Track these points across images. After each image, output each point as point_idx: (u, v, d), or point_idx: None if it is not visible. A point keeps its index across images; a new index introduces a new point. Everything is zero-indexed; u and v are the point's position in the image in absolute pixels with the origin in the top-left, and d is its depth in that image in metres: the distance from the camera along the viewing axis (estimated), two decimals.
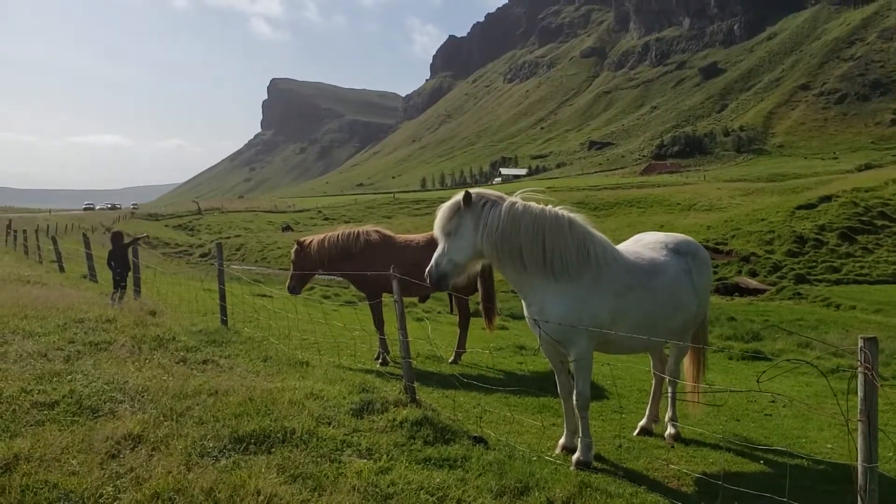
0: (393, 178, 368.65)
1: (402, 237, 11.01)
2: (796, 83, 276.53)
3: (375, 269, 9.94)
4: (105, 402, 6.06)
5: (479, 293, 11.15)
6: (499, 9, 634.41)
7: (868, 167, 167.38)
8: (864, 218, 50.26)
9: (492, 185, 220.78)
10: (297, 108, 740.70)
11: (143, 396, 6.31)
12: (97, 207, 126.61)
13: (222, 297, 10.99)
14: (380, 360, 10.47)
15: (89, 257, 17.09)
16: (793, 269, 44.05)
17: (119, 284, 12.82)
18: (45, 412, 5.73)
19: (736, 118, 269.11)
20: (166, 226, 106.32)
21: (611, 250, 6.51)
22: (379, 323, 10.68)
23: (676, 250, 7.15)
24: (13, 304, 10.43)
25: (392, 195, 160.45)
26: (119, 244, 13.40)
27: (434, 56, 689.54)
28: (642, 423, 7.62)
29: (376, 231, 10.81)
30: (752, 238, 50.04)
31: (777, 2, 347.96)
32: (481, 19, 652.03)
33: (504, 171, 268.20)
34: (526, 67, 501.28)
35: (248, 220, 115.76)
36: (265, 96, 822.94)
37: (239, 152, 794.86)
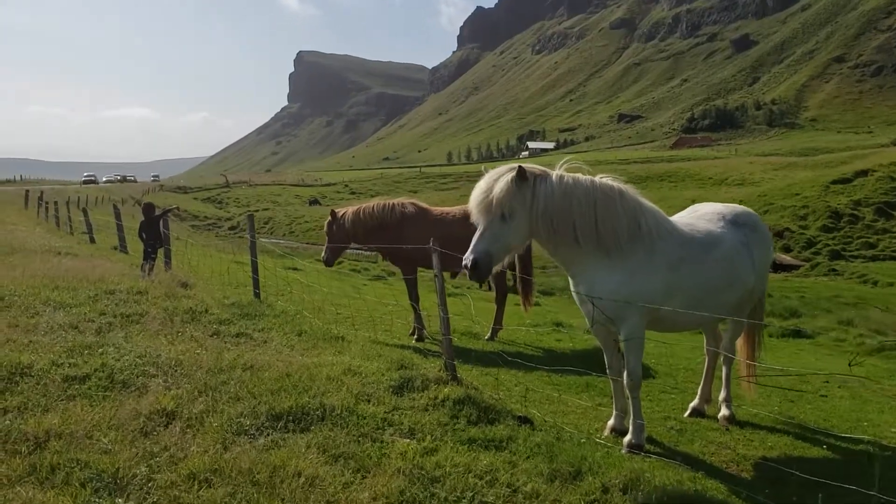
0: (419, 151, 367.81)
1: (437, 209, 10.67)
2: (831, 55, 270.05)
3: (411, 243, 9.64)
4: (137, 377, 5.87)
5: (513, 269, 10.81)
6: None
7: None
8: None
9: (518, 158, 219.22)
10: (324, 80, 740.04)
11: (176, 371, 6.11)
12: (103, 180, 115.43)
13: (254, 270, 10.76)
14: (416, 336, 10.17)
15: (120, 228, 17.01)
16: (827, 245, 43.11)
17: (150, 256, 12.70)
18: (77, 386, 5.55)
19: (768, 91, 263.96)
20: (195, 198, 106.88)
21: (664, 222, 6.14)
22: (414, 297, 10.35)
23: (735, 222, 6.75)
24: (44, 275, 10.30)
25: (418, 169, 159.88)
26: (150, 215, 13.27)
27: (461, 27, 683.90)
28: (694, 403, 7.27)
29: (412, 203, 10.48)
30: (786, 213, 48.98)
31: None
32: None
33: (532, 144, 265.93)
34: (555, 39, 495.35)
35: (275, 193, 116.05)
36: (292, 69, 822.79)
37: (266, 125, 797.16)
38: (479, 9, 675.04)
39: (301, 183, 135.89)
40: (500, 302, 10.94)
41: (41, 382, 5.52)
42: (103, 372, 5.86)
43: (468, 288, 22.10)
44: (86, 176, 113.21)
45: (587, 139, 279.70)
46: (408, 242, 9.73)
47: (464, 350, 9.43)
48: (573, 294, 6.17)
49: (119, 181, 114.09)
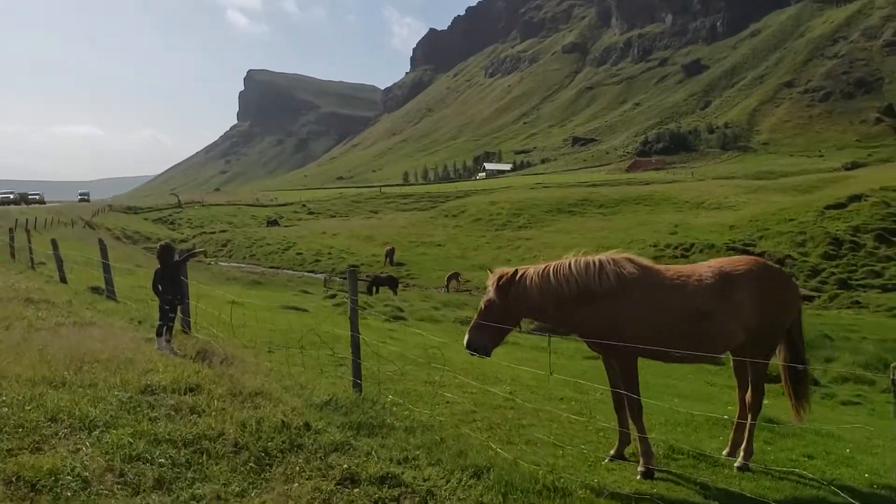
0: (373, 171, 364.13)
1: (670, 270, 7.13)
2: (780, 80, 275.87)
3: (633, 320, 6.63)
4: None
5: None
6: (479, 2, 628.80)
7: (855, 165, 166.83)
8: None
9: (476, 179, 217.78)
10: (274, 99, 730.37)
11: None
12: None
13: (356, 350, 7.61)
14: (641, 471, 6.44)
15: (106, 268, 13.54)
16: (833, 273, 41.47)
17: (168, 316, 9.35)
18: None
19: (720, 115, 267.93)
20: (145, 219, 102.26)
21: None
22: (635, 410, 6.68)
23: None
24: (34, 354, 7.07)
25: (378, 189, 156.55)
26: (169, 261, 9.80)
27: (414, 49, 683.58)
28: None
29: (629, 260, 6.89)
30: (783, 239, 47.42)
31: None
32: (462, 12, 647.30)
33: (489, 166, 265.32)
34: (508, 62, 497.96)
35: (230, 213, 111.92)
36: (242, 87, 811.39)
37: (214, 144, 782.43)
38: (432, 31, 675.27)
39: (256, 203, 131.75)
40: (755, 408, 7.14)
41: None
42: None
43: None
44: (2, 194, 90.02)
45: (543, 161, 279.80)
46: (628, 319, 6.65)
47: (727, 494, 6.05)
48: None
49: (13, 201, 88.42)
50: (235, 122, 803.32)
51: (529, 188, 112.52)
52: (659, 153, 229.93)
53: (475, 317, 6.92)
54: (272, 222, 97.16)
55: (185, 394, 6.27)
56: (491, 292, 6.86)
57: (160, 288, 9.61)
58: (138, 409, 5.75)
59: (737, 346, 6.90)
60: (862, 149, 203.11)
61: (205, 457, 4.97)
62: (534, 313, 7.12)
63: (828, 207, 51.04)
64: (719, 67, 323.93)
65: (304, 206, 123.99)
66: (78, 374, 6.54)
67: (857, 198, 51.83)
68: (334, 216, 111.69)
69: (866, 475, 6.48)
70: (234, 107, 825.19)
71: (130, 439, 5.00)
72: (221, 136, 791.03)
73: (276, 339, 11.76)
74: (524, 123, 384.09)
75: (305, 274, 60.73)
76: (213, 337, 10.15)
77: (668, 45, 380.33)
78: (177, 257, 10.41)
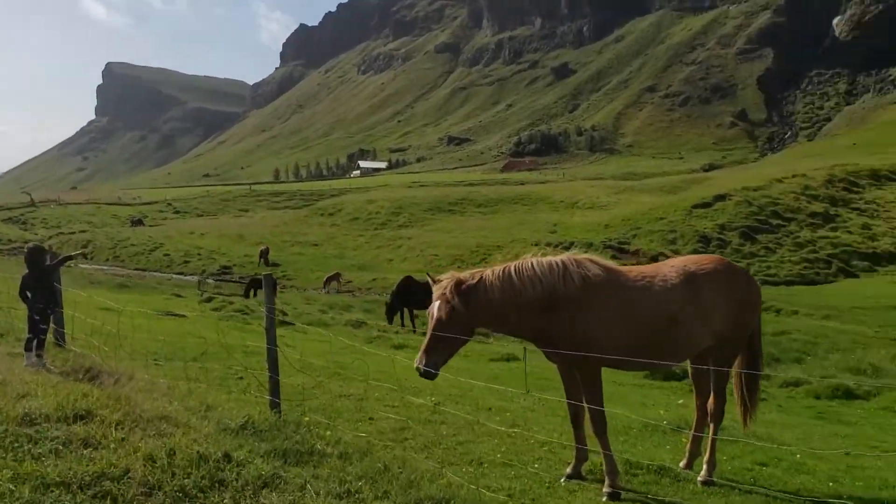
0: (242, 168, 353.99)
1: (633, 271, 6.60)
2: (643, 85, 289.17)
3: (599, 325, 6.05)
4: None
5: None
6: None
7: (712, 167, 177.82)
8: (759, 217, 50.78)
9: (350, 177, 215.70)
10: (137, 94, 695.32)
11: None
12: None
13: (273, 366, 6.70)
14: (607, 492, 5.88)
15: None
16: None
17: (39, 328, 8.05)
18: None
19: (588, 118, 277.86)
20: None
21: None
22: (600, 424, 6.11)
23: None
24: None
25: (248, 187, 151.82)
26: (41, 265, 8.41)
27: (284, 44, 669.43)
28: None
29: (592, 261, 6.29)
30: (655, 237, 49.31)
31: (624, 5, 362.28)
32: (333, 9, 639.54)
33: (363, 164, 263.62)
34: (380, 60, 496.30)
35: (89, 213, 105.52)
36: (100, 81, 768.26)
37: (70, 140, 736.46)
38: (302, 26, 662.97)
39: (118, 201, 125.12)
40: (717, 416, 6.69)
41: None
42: None
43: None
44: None
45: (419, 160, 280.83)
46: (595, 326, 6.04)
47: None
48: None
49: None
50: (93, 117, 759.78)
51: (407, 187, 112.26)
52: (531, 154, 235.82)
53: (427, 333, 5.92)
54: (136, 222, 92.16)
55: (73, 422, 5.23)
56: (452, 301, 5.85)
57: (28, 295, 8.33)
58: (17, 445, 4.71)
59: (701, 352, 6.55)
60: (718, 151, 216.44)
61: (109, 502, 4.07)
62: (493, 321, 6.33)
63: (695, 206, 53.50)
64: (586, 71, 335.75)
65: (169, 204, 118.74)
66: None
67: (721, 197, 54.64)
68: (202, 215, 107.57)
69: (830, 483, 6.26)
70: (93, 101, 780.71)
71: (11, 485, 4.02)
72: (78, 132, 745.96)
73: (162, 349, 10.62)
74: (398, 122, 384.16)
75: (175, 276, 57.78)
76: (92, 349, 8.95)
77: (538, 48, 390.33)
78: (49, 261, 9.06)
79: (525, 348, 6.97)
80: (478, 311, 5.95)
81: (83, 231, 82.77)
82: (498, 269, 6.13)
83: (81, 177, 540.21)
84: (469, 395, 9.04)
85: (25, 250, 8.86)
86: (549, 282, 6.01)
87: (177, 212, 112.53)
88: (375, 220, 76.63)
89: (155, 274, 59.14)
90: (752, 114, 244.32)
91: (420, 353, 5.78)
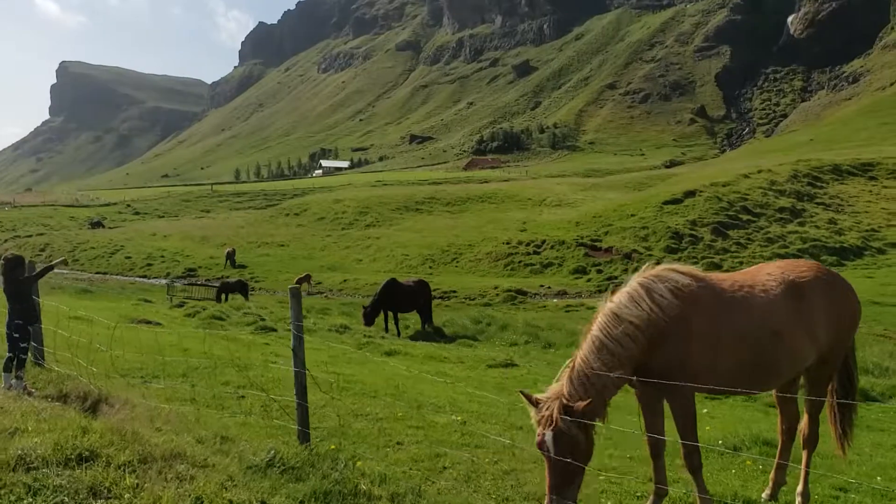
0: (202, 168, 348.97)
1: (726, 280, 5.78)
2: (603, 82, 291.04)
3: (701, 348, 5.25)
4: None
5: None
6: None
7: (673, 163, 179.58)
8: (729, 212, 50.88)
9: (312, 177, 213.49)
10: (92, 93, 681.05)
11: None
12: None
13: (301, 391, 5.91)
14: None
15: None
16: None
17: (19, 347, 7.21)
18: None
19: (549, 115, 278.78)
20: None
21: None
22: (696, 461, 5.41)
23: None
24: None
25: (210, 187, 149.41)
26: (16, 275, 7.50)
27: (243, 43, 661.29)
28: None
29: (674, 270, 5.43)
30: (627, 234, 49.12)
31: (584, 3, 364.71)
32: (292, 7, 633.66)
33: (325, 163, 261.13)
34: (341, 58, 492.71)
35: (46, 215, 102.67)
36: (54, 80, 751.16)
37: (24, 140, 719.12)
38: (261, 24, 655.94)
39: (76, 203, 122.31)
40: (812, 441, 6.07)
41: None
42: None
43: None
44: None
45: (381, 159, 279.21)
46: (697, 349, 5.25)
47: None
48: None
49: None
50: (47, 116, 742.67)
51: (372, 185, 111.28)
52: (494, 152, 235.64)
53: (548, 469, 4.80)
54: (96, 224, 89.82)
55: (77, 466, 4.49)
56: (571, 432, 4.75)
57: (7, 310, 7.47)
58: (14, 498, 3.97)
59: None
60: (678, 147, 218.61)
61: None
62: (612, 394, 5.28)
63: (665, 203, 53.45)
64: (547, 69, 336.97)
65: (128, 206, 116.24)
66: None
67: (691, 193, 54.68)
68: (163, 216, 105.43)
69: None
70: (47, 101, 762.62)
71: None
72: (31, 132, 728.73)
73: (146, 365, 9.82)
74: (360, 121, 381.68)
75: (138, 279, 56.25)
76: (73, 366, 8.12)
77: (499, 46, 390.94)
78: (27, 272, 8.17)
79: (526, 350, 6.27)
80: (596, 409, 4.97)
81: (40, 234, 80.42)
82: (586, 347, 5.16)
83: (36, 178, 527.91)
84: (492, 411, 8.39)
85: (1, 260, 7.95)
86: (642, 316, 5.16)
87: (137, 213, 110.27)
88: (342, 220, 75.56)
89: (117, 277, 57.53)
90: (710, 110, 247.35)
91: (550, 496, 4.73)
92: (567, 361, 5.09)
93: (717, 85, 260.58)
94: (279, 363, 11.05)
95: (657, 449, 5.55)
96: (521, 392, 5.03)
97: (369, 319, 22.86)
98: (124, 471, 4.51)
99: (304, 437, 5.77)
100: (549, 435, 4.72)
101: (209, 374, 8.50)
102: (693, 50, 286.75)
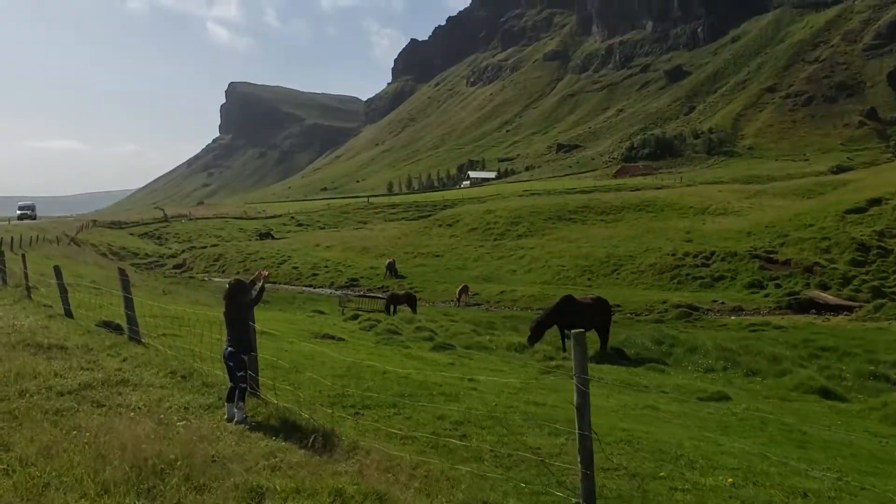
0: (357, 181, 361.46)
1: None
2: (762, 85, 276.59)
3: None
4: None
5: None
6: (460, 12, 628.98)
7: (840, 169, 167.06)
8: None
9: (461, 187, 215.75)
10: (257, 112, 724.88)
11: None
12: None
13: (587, 460, 5.05)
14: None
15: (129, 304, 11.13)
16: (865, 281, 39.59)
17: (237, 376, 6.86)
18: None
19: (704, 120, 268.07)
20: (131, 234, 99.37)
21: None
22: None
23: None
24: (86, 460, 4.71)
25: (366, 199, 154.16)
26: (241, 300, 7.15)
27: (395, 60, 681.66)
28: None
29: None
30: (806, 245, 45.60)
31: (740, 5, 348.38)
32: (442, 23, 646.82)
33: (472, 174, 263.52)
34: (489, 71, 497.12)
35: (218, 227, 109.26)
36: (223, 100, 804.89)
37: (197, 157, 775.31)
38: (413, 41, 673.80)
39: (244, 215, 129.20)
40: None
41: None
42: None
43: None
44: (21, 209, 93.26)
45: (527, 169, 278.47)
46: None
47: None
48: None
49: (31, 217, 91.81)
50: (217, 134, 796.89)
51: (519, 195, 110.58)
52: (645, 158, 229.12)
53: None
54: (264, 235, 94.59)
55: None
56: None
57: (229, 339, 7.16)
58: None
59: None
60: (846, 151, 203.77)
61: None
62: None
63: (848, 212, 49.33)
64: (701, 73, 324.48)
65: (293, 217, 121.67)
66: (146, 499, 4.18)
67: (876, 201, 50.21)
68: (324, 227, 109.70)
69: None
70: (216, 119, 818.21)
71: None
72: (203, 149, 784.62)
73: (350, 390, 9.42)
74: (507, 131, 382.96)
75: (305, 289, 58.33)
76: (286, 396, 7.77)
77: (650, 52, 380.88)
78: (248, 296, 7.79)
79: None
80: None
81: (214, 245, 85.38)
82: None
83: (207, 192, 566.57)
84: (757, 467, 7.16)
85: (227, 287, 7.60)
86: None
87: (300, 224, 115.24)
88: (494, 230, 75.34)
89: (286, 287, 59.85)
90: (882, 112, 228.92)
91: None
92: None
93: (889, 85, 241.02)
94: (481, 390, 10.42)
95: None
96: None
97: (536, 337, 21.72)
98: None
99: None
100: None
101: (420, 405, 7.92)
102: (862, 48, 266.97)
